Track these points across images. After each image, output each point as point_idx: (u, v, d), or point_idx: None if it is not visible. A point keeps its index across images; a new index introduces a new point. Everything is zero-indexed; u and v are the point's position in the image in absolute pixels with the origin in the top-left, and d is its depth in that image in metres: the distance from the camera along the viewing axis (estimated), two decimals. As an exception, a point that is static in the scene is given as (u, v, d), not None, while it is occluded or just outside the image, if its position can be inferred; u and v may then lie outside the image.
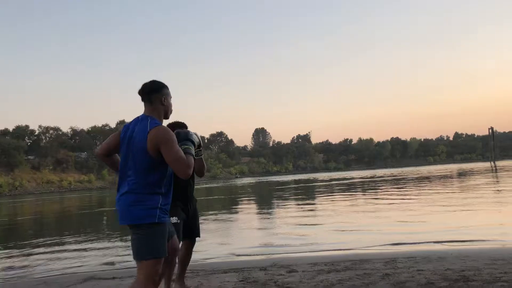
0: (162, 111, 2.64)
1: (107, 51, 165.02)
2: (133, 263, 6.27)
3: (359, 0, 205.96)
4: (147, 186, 2.47)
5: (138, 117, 2.63)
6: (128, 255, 7.16)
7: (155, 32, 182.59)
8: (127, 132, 2.58)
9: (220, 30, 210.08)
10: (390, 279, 3.96)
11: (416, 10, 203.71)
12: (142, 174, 2.47)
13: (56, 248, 8.66)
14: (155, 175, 2.49)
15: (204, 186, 51.58)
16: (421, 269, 4.31)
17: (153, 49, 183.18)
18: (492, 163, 65.98)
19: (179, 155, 2.46)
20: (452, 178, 29.92)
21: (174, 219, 3.55)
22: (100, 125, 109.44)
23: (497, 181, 22.40)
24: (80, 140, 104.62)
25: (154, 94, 2.62)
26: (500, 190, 16.64)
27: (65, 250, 8.25)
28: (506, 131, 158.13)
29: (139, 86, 2.64)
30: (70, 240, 9.88)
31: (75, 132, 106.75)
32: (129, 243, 8.23)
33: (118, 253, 7.48)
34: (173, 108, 2.72)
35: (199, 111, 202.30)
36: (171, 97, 2.71)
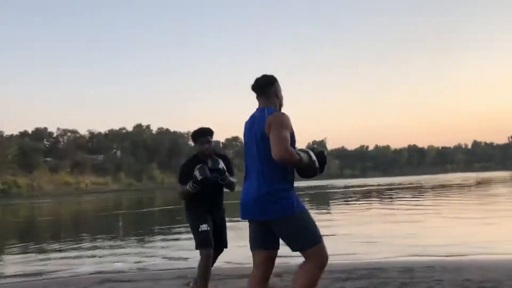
0: (277, 103, 2.69)
1: (124, 53, 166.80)
2: (149, 266, 6.33)
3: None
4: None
5: (252, 115, 2.66)
6: (143, 258, 7.22)
7: (171, 32, 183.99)
8: (245, 130, 2.67)
9: (234, 35, 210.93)
10: (408, 290, 3.91)
11: (433, 12, 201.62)
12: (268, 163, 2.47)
13: (72, 249, 8.76)
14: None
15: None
16: (439, 279, 4.24)
17: (169, 50, 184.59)
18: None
19: (284, 136, 2.42)
20: (471, 187, 29.48)
21: (204, 227, 3.59)
22: (117, 128, 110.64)
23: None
24: (97, 142, 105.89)
25: (269, 87, 2.67)
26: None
27: (81, 252, 8.33)
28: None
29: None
30: (86, 242, 9.99)
31: (93, 135, 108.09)
32: (145, 246, 8.28)
33: (134, 256, 7.53)
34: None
35: (214, 115, 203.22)
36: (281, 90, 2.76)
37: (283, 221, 2.46)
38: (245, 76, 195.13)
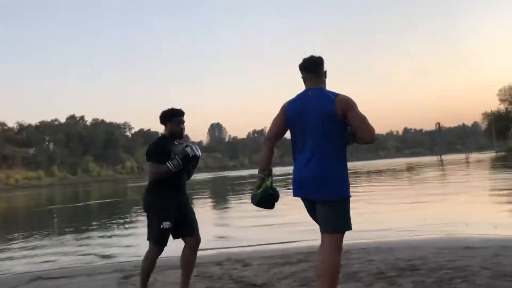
0: (325, 83, 2.70)
1: (55, 43, 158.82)
2: (82, 262, 6.12)
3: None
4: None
5: (304, 93, 2.64)
6: (79, 253, 6.98)
7: (106, 20, 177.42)
8: (297, 108, 2.60)
9: (178, 23, 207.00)
10: (343, 270, 4.00)
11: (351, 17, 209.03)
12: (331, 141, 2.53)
13: (2, 250, 8.28)
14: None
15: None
16: (372, 259, 4.44)
17: (104, 40, 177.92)
18: (439, 157, 68.87)
19: (364, 116, 2.53)
20: (402, 171, 30.97)
21: (167, 224, 3.45)
22: (49, 120, 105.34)
23: (444, 174, 23.41)
24: (28, 135, 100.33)
25: (321, 67, 2.69)
26: (448, 183, 17.39)
27: (12, 252, 7.89)
28: (452, 126, 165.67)
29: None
30: (17, 240, 9.47)
31: (22, 127, 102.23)
32: (79, 242, 7.99)
33: (69, 252, 7.25)
34: None
35: (152, 104, 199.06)
36: None
37: (339, 202, 2.54)
38: (179, 69, 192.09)
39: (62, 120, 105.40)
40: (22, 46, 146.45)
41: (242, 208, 13.02)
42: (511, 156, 47.87)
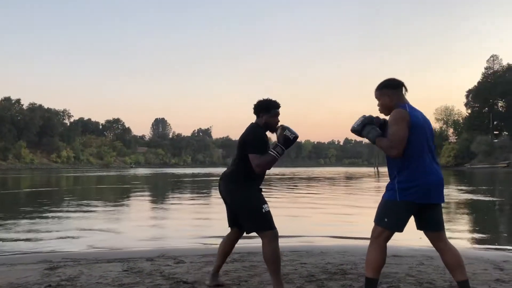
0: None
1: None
2: (3, 251, 5.77)
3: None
4: None
5: (410, 106, 2.91)
6: (3, 242, 6.58)
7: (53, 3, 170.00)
8: (420, 117, 2.87)
9: (126, 15, 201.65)
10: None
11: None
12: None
13: None
14: None
15: (95, 174, 49.19)
16: (304, 263, 4.51)
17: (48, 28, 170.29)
18: (376, 168, 71.57)
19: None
20: (340, 179, 31.88)
21: (267, 207, 3.25)
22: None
23: (379, 186, 24.35)
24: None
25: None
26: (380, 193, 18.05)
27: None
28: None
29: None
30: None
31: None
32: (3, 230, 7.52)
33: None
34: None
35: (95, 95, 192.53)
36: None
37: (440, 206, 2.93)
38: (126, 60, 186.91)
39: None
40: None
41: (180, 206, 12.86)
42: (442, 172, 50.44)
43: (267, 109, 3.37)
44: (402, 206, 2.78)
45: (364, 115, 3.02)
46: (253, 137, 3.29)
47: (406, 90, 2.97)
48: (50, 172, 56.23)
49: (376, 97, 3.01)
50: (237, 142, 3.40)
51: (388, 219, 2.81)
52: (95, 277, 3.89)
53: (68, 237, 7.14)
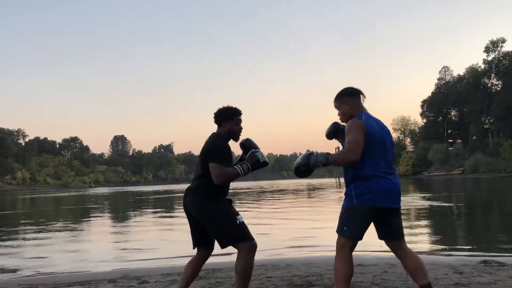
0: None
1: None
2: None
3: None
4: None
5: (367, 114, 2.96)
6: None
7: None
8: (376, 124, 2.93)
9: (83, 31, 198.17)
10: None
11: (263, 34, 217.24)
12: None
13: None
14: None
15: (53, 195, 47.55)
16: (270, 276, 4.48)
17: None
18: (337, 179, 72.62)
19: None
20: (303, 191, 32.16)
21: (240, 218, 3.12)
22: None
23: (341, 196, 24.66)
24: None
25: None
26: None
27: None
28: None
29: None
30: None
31: None
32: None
33: None
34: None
35: (51, 113, 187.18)
36: None
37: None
38: (83, 76, 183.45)
39: None
40: None
41: (142, 224, 12.59)
42: (401, 180, 51.81)
43: (229, 117, 3.24)
44: (359, 211, 2.82)
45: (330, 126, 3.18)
46: (216, 146, 3.15)
47: (364, 97, 3.03)
48: (4, 195, 53.92)
49: (336, 107, 3.05)
50: (200, 154, 3.23)
51: (348, 227, 2.84)
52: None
53: (24, 263, 6.84)
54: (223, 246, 3.14)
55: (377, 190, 2.80)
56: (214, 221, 3.11)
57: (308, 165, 2.98)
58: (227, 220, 3.11)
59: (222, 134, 3.24)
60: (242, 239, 3.09)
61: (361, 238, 2.88)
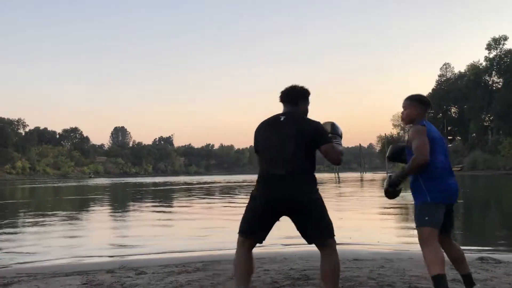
0: None
1: None
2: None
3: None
4: None
5: (428, 122, 3.14)
6: None
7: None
8: (436, 131, 3.15)
9: (84, 20, 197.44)
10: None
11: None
12: None
13: None
14: None
15: (52, 185, 47.63)
16: (267, 269, 4.50)
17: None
18: (336, 174, 72.72)
19: None
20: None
21: None
22: None
23: (341, 192, 24.73)
24: None
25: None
26: (347, 198, 18.38)
27: None
28: (349, 146, 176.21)
29: None
30: None
31: None
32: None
33: None
34: None
35: (51, 103, 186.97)
36: None
37: None
38: (82, 67, 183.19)
39: None
40: None
41: (141, 216, 12.62)
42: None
43: (305, 97, 3.08)
44: (433, 206, 3.03)
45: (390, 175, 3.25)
46: (322, 126, 2.95)
47: (430, 109, 3.31)
48: (4, 184, 53.98)
49: (404, 106, 3.23)
50: (293, 134, 2.86)
51: (429, 218, 3.00)
52: (52, 292, 3.75)
53: (23, 251, 6.87)
54: (323, 238, 2.88)
55: (445, 189, 3.05)
56: (319, 210, 2.85)
57: (391, 186, 3.20)
58: (326, 211, 2.90)
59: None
60: (333, 233, 2.91)
61: (439, 226, 3.03)
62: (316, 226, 2.84)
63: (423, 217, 2.99)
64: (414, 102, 3.17)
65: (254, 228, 2.94)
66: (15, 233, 9.12)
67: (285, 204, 2.81)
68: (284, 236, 7.69)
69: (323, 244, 2.88)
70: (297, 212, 2.83)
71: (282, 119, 2.95)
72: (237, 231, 3.02)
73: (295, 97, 3.04)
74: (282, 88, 3.11)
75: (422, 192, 3.03)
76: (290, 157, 2.82)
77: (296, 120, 2.93)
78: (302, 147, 2.84)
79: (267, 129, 3.00)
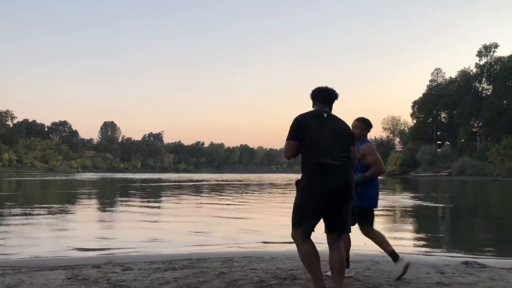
0: None
1: None
2: None
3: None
4: None
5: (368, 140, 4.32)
6: None
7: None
8: None
9: (75, 14, 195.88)
10: (224, 277, 4.06)
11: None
12: None
13: None
14: None
15: (39, 178, 47.18)
16: (255, 268, 4.51)
17: None
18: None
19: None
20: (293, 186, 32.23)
21: None
22: None
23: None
24: None
25: None
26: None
27: None
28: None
29: None
30: None
31: None
32: None
33: None
34: None
35: (40, 96, 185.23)
36: None
37: None
38: (73, 62, 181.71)
39: None
40: None
41: (128, 212, 12.55)
42: (388, 179, 52.34)
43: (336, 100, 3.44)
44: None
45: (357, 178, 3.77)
46: None
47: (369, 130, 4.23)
48: (-10, 176, 53.31)
49: (355, 126, 4.06)
50: (341, 133, 3.19)
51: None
52: (37, 285, 3.71)
53: (8, 244, 6.79)
54: (346, 229, 3.25)
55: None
56: (352, 202, 3.22)
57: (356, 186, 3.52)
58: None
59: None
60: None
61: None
62: (346, 215, 3.14)
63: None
64: (364, 123, 4.16)
65: (315, 221, 3.10)
66: (0, 225, 9.01)
67: (340, 192, 3.05)
68: (273, 235, 7.71)
69: (341, 235, 3.19)
70: (344, 200, 3.09)
71: (325, 115, 3.22)
72: (291, 226, 3.16)
73: (334, 98, 3.35)
74: (318, 86, 3.36)
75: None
76: (340, 150, 3.11)
77: (336, 118, 3.28)
78: (345, 142, 3.17)
79: (314, 123, 3.17)
